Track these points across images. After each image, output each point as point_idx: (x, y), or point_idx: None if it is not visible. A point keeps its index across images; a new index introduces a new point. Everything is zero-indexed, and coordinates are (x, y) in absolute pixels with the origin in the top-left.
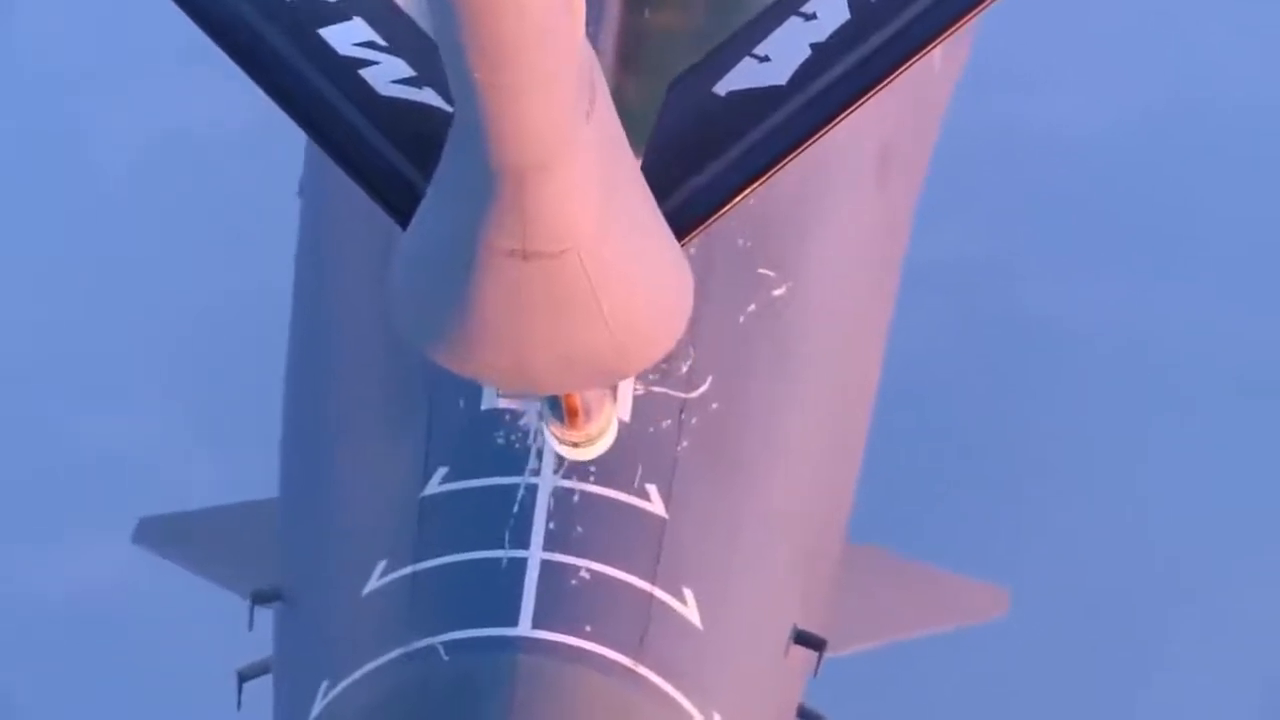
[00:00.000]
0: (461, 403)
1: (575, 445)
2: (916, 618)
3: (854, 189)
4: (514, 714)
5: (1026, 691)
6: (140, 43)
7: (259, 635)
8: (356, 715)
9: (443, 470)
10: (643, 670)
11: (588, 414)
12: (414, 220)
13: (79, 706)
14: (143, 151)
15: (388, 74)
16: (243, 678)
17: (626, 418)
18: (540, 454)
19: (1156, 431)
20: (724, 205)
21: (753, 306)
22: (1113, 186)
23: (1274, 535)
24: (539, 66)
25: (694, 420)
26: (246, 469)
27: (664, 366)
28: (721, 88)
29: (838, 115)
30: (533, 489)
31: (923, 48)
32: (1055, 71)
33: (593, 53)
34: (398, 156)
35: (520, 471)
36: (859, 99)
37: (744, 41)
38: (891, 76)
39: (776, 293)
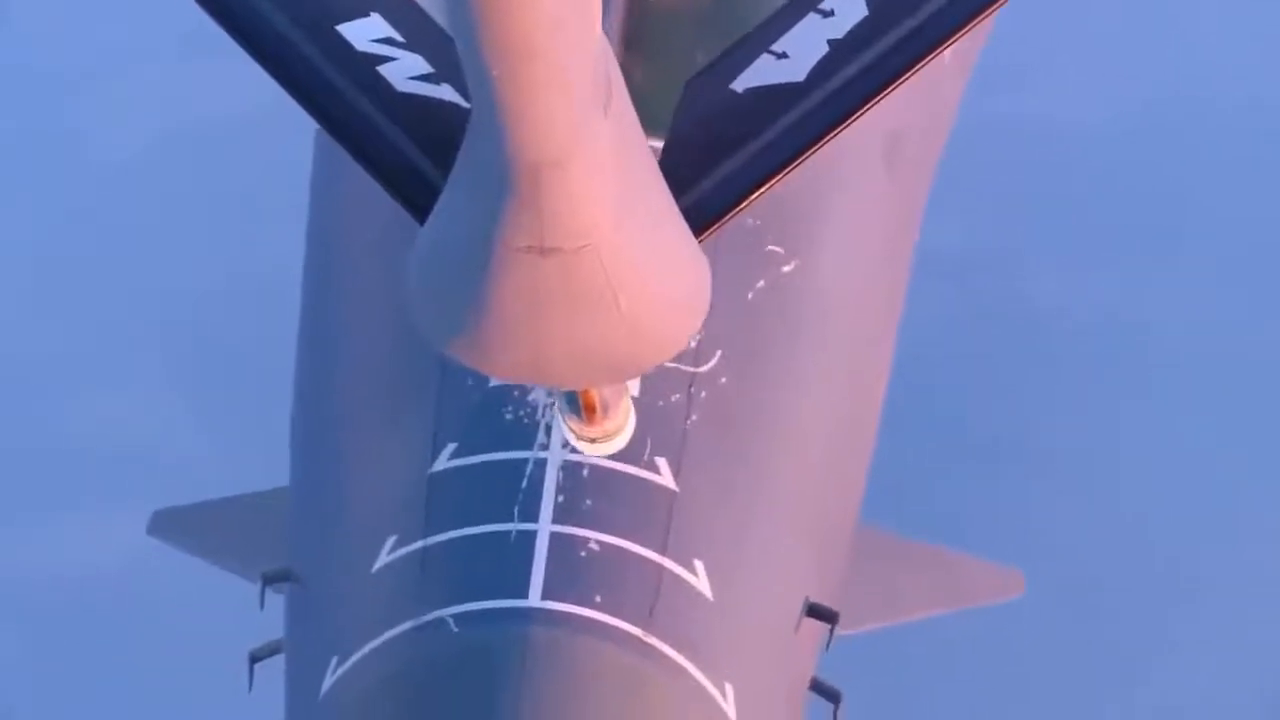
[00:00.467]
0: (469, 379)
1: (593, 441)
2: (930, 598)
3: (863, 169)
4: (525, 685)
5: (1025, 683)
6: (144, 33)
7: (264, 620)
8: (366, 689)
9: (451, 446)
10: (653, 641)
11: (605, 410)
12: (431, 217)
13: (83, 692)
14: (146, 140)
15: (405, 70)
16: (254, 659)
17: (635, 392)
18: (549, 429)
19: (1157, 422)
20: (741, 201)
21: (761, 283)
22: (1114, 179)
23: (1276, 527)
24: (555, 63)
25: (703, 394)
26: (250, 453)
27: None
28: (739, 84)
29: (855, 111)
30: (541, 463)
31: (940, 44)
32: (1056, 65)
33: (609, 48)
34: (415, 152)
35: (529, 446)
36: (876, 95)
37: (761, 38)
38: (909, 73)
39: (785, 269)
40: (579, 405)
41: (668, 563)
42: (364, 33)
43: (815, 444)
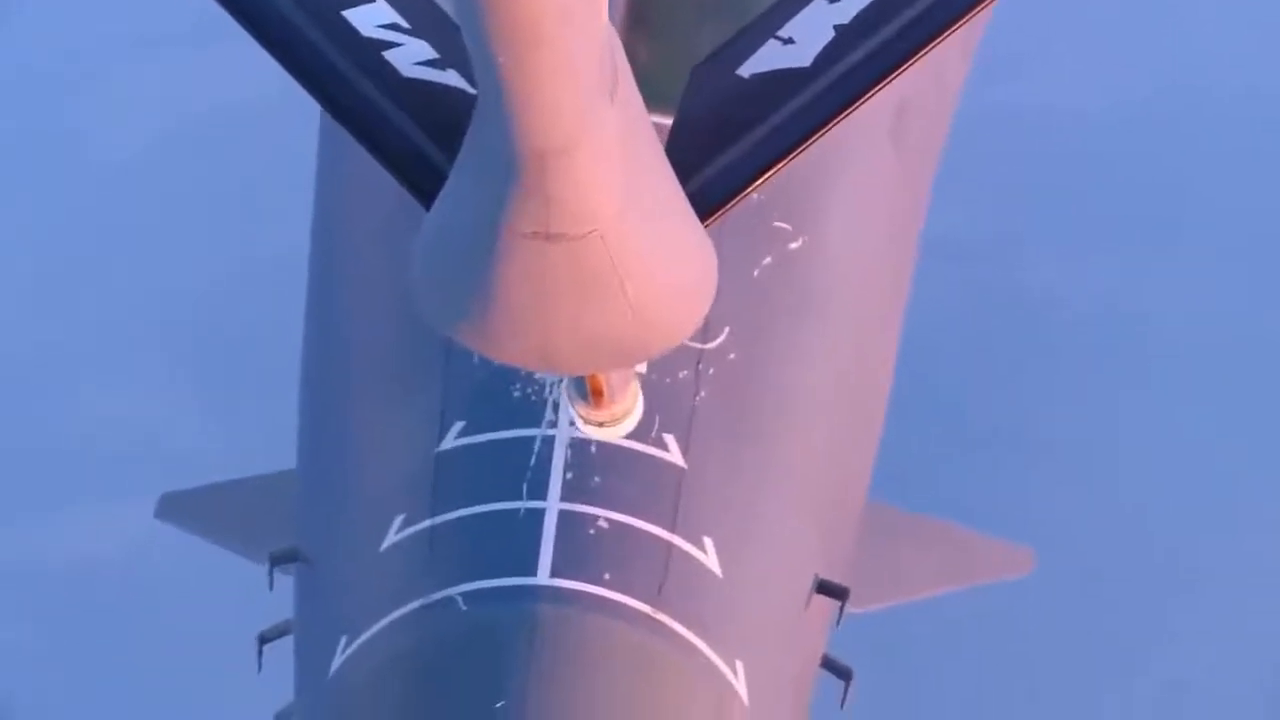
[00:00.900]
0: (476, 357)
1: (600, 425)
2: (941, 575)
3: (869, 144)
4: (534, 663)
5: (1026, 670)
6: (144, 29)
7: (270, 610)
8: (375, 668)
9: (459, 424)
10: (663, 618)
11: (612, 394)
12: (437, 202)
13: (91, 680)
14: (148, 134)
15: (411, 56)
16: (263, 640)
17: (643, 368)
18: (556, 406)
19: (1156, 411)
20: (747, 187)
21: (769, 259)
22: (1113, 168)
23: (1276, 516)
24: (561, 49)
25: (711, 371)
26: (256, 443)
27: None
28: (745, 70)
29: (861, 96)
30: (549, 440)
31: (946, 29)
32: (1055, 54)
33: (615, 35)
34: (421, 138)
35: (537, 424)
36: (882, 80)
37: (767, 24)
38: (915, 58)
39: (792, 246)
40: (586, 389)
41: (677, 540)
42: (369, 18)
43: (824, 420)
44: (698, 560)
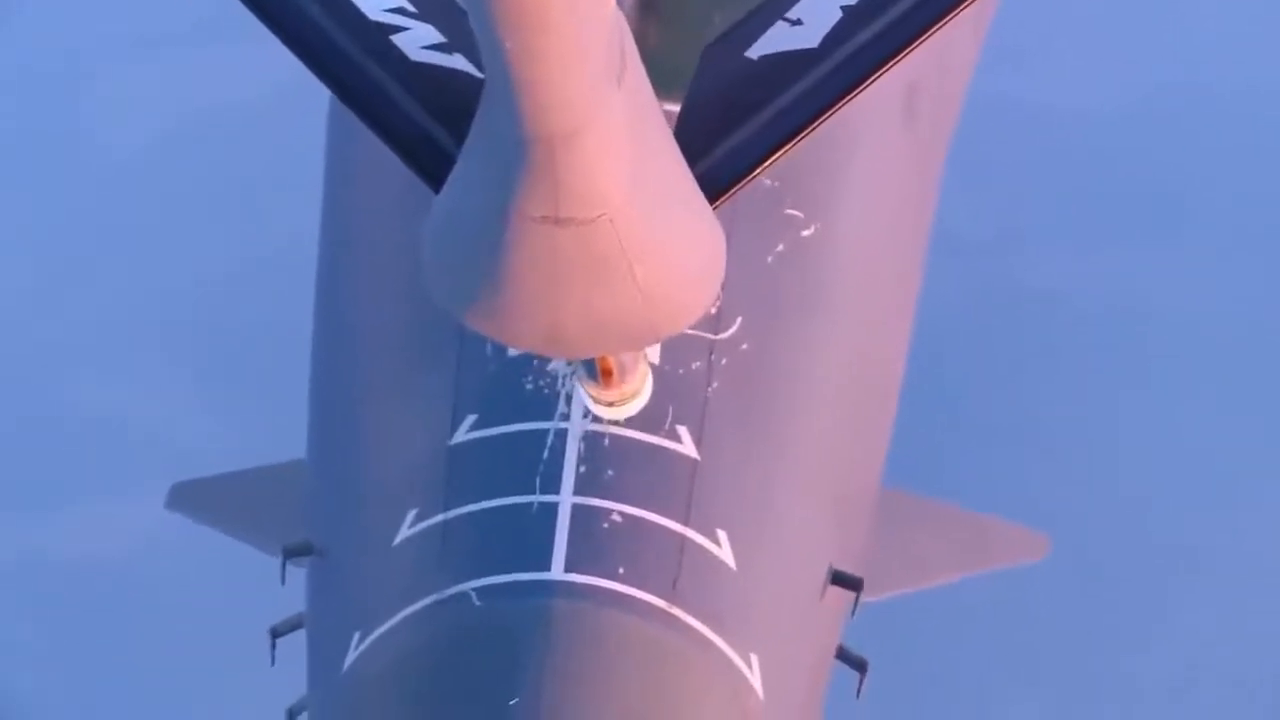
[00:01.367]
0: (489, 350)
1: (610, 404)
2: (956, 561)
3: (881, 129)
4: (549, 658)
5: (1030, 654)
6: (150, 25)
7: (278, 606)
8: (389, 664)
9: (471, 418)
10: (677, 612)
11: (622, 374)
12: (446, 187)
13: (98, 675)
14: (152, 131)
15: (418, 40)
16: (275, 634)
17: (656, 360)
18: (569, 399)
19: (1157, 403)
20: (756, 168)
21: (781, 247)
22: (1113, 163)
23: (1275, 505)
24: (568, 34)
25: (724, 361)
26: (263, 437)
27: None
28: (754, 52)
29: (869, 77)
30: (562, 434)
31: (953, 9)
32: (1058, 49)
33: (623, 18)
34: (430, 121)
35: (549, 417)
36: (890, 60)
37: (776, 6)
38: (923, 38)
39: (805, 233)
40: (596, 370)
41: (690, 533)
42: (377, 2)
43: (837, 409)
44: (712, 553)
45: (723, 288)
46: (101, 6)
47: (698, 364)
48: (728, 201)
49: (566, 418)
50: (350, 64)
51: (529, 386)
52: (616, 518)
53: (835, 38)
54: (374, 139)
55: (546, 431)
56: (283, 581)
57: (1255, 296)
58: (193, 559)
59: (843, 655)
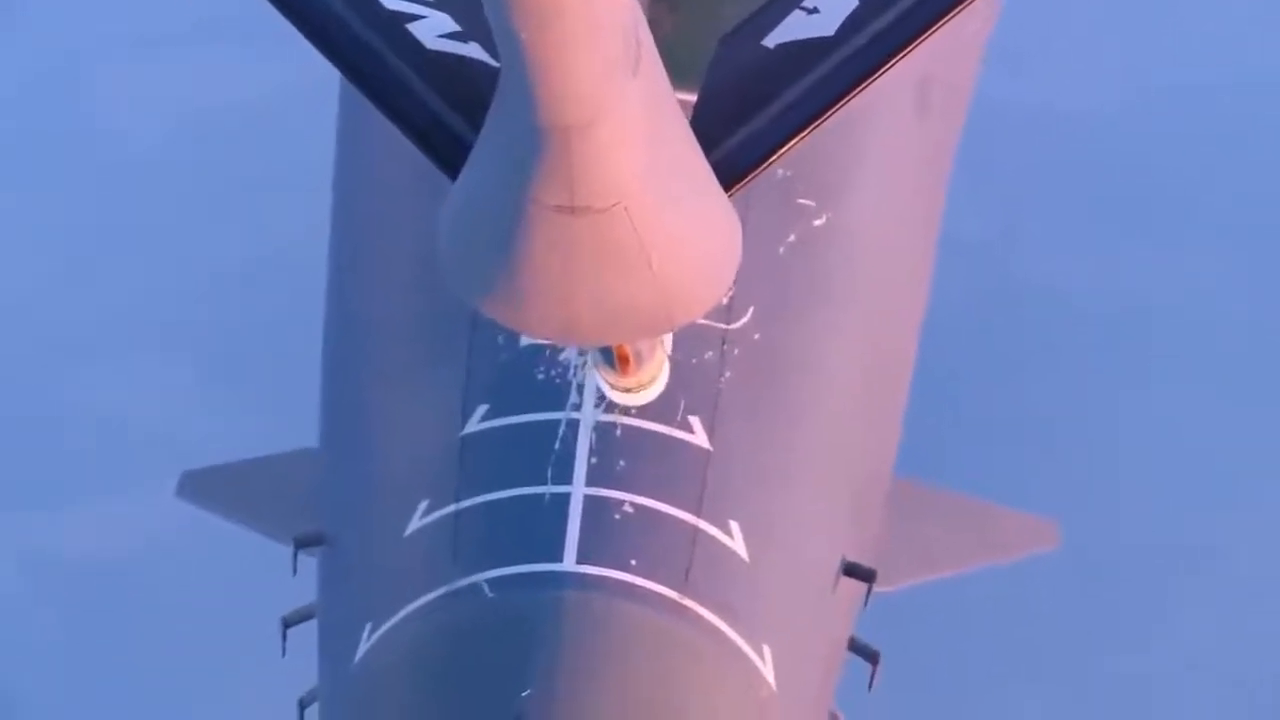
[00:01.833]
0: (500, 340)
1: (627, 391)
2: (968, 552)
3: (893, 118)
4: (561, 649)
5: (1033, 646)
6: (159, 24)
7: (285, 604)
8: (400, 655)
9: (483, 408)
10: (690, 603)
11: (639, 361)
12: (461, 175)
13: (108, 668)
14: (164, 127)
15: (434, 28)
16: (286, 624)
17: (668, 350)
18: (581, 389)
19: (1156, 400)
20: (772, 155)
21: (793, 237)
22: (1113, 163)
23: (1274, 502)
24: (584, 24)
25: (736, 351)
26: (267, 432)
27: None
28: (770, 40)
29: (885, 64)
30: (574, 424)
31: None
32: (1058, 50)
33: (638, 8)
34: (445, 110)
35: (561, 407)
36: (906, 47)
37: None
38: (939, 24)
39: (817, 223)
40: (613, 357)
41: (703, 524)
42: None
43: (850, 399)
44: (724, 544)
45: (735, 277)
46: (108, 6)
47: (710, 354)
48: (743, 192)
49: (578, 408)
50: (367, 52)
51: (540, 377)
52: (628, 508)
53: (851, 25)
54: (385, 132)
55: (558, 422)
56: (294, 571)
57: (1255, 295)
58: (198, 555)
59: (855, 646)
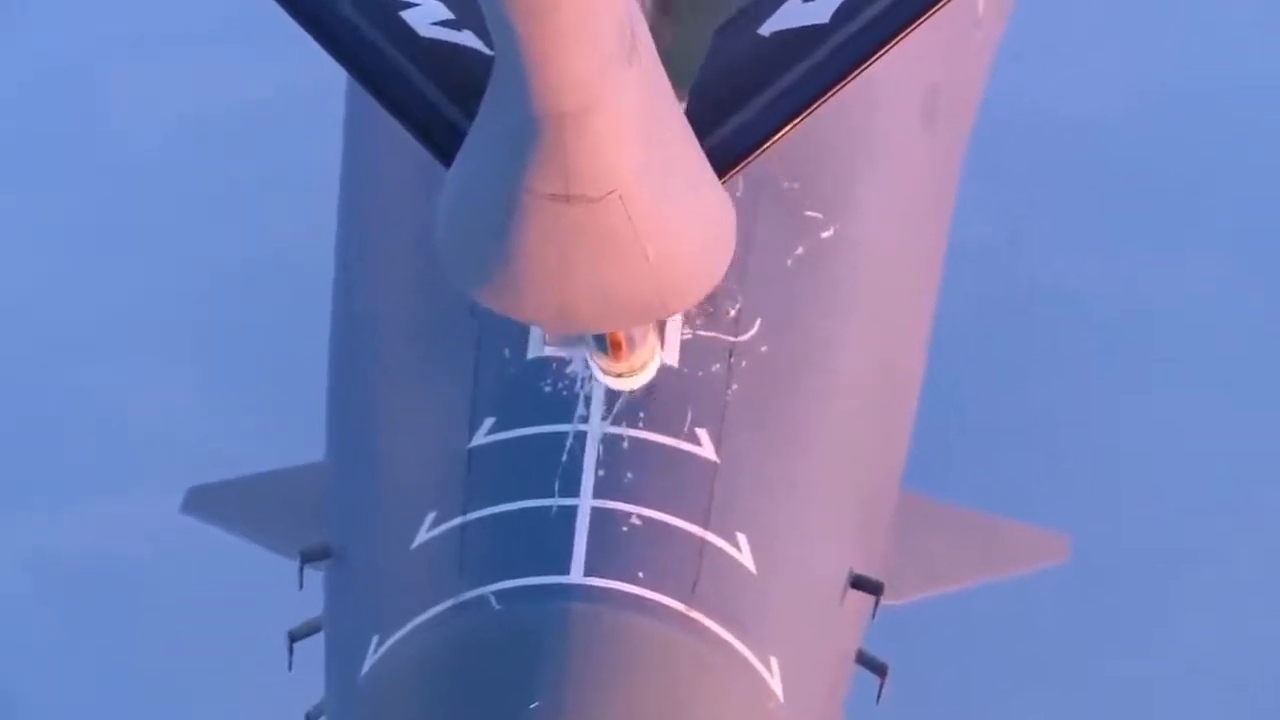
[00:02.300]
0: (507, 352)
1: (619, 376)
2: (976, 566)
3: (900, 131)
4: (568, 661)
5: (1037, 646)
6: (171, 23)
7: (293, 604)
8: (407, 668)
9: (490, 420)
10: (697, 615)
11: (631, 345)
12: (456, 163)
13: (105, 673)
14: (169, 127)
15: (427, 16)
16: (293, 638)
17: (675, 362)
18: (588, 401)
19: (1161, 403)
20: (766, 141)
21: (800, 249)
22: (1120, 166)
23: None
24: (578, 11)
25: (744, 364)
26: (274, 430)
27: (711, 310)
28: (766, 29)
29: (878, 50)
30: (581, 436)
31: None
32: (1065, 53)
33: None
34: (440, 97)
35: (568, 419)
36: (899, 34)
37: None
38: (933, 10)
39: (824, 235)
40: (605, 342)
41: (710, 536)
42: None
43: (857, 411)
44: (731, 556)
45: (742, 290)
46: (111, 7)
47: (717, 366)
48: (745, 199)
49: (585, 420)
50: (360, 39)
51: (547, 389)
52: (636, 521)
53: (846, 12)
54: (391, 142)
55: (565, 434)
56: (300, 585)
57: (1263, 299)
58: (200, 556)
59: (862, 659)
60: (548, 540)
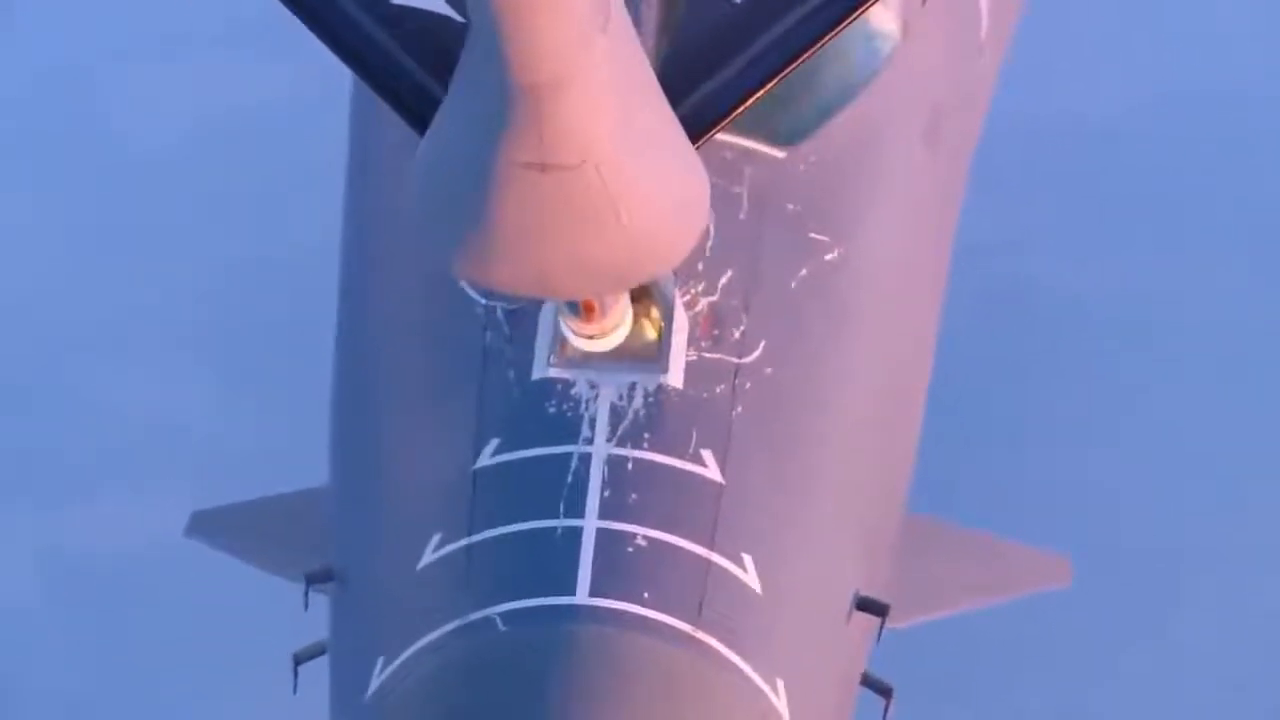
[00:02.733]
0: (511, 374)
1: (590, 338)
2: (979, 589)
3: (904, 152)
4: (574, 682)
5: (1043, 639)
6: (179, 25)
7: (297, 604)
8: (413, 690)
9: (495, 442)
10: (703, 636)
11: (603, 309)
12: (430, 131)
13: (111, 675)
14: (180, 129)
15: None
16: (298, 660)
17: (680, 384)
18: (593, 422)
19: (1162, 404)
20: (739, 106)
21: (804, 272)
22: (1120, 169)
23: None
24: None
25: (748, 385)
26: (275, 433)
27: (716, 333)
28: None
29: (849, 16)
30: (586, 457)
31: None
32: (1064, 56)
33: None
34: (414, 66)
35: (573, 440)
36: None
37: None
38: None
39: (828, 257)
40: (578, 305)
41: (716, 557)
42: None
43: (862, 433)
44: (737, 578)
45: (746, 312)
46: (117, 10)
47: (721, 388)
48: (750, 220)
49: (590, 441)
50: (331, 5)
51: (552, 410)
52: (641, 541)
53: None
54: (397, 164)
55: (570, 455)
56: (305, 607)
57: (1263, 300)
58: (208, 559)
59: (868, 681)
60: (553, 561)
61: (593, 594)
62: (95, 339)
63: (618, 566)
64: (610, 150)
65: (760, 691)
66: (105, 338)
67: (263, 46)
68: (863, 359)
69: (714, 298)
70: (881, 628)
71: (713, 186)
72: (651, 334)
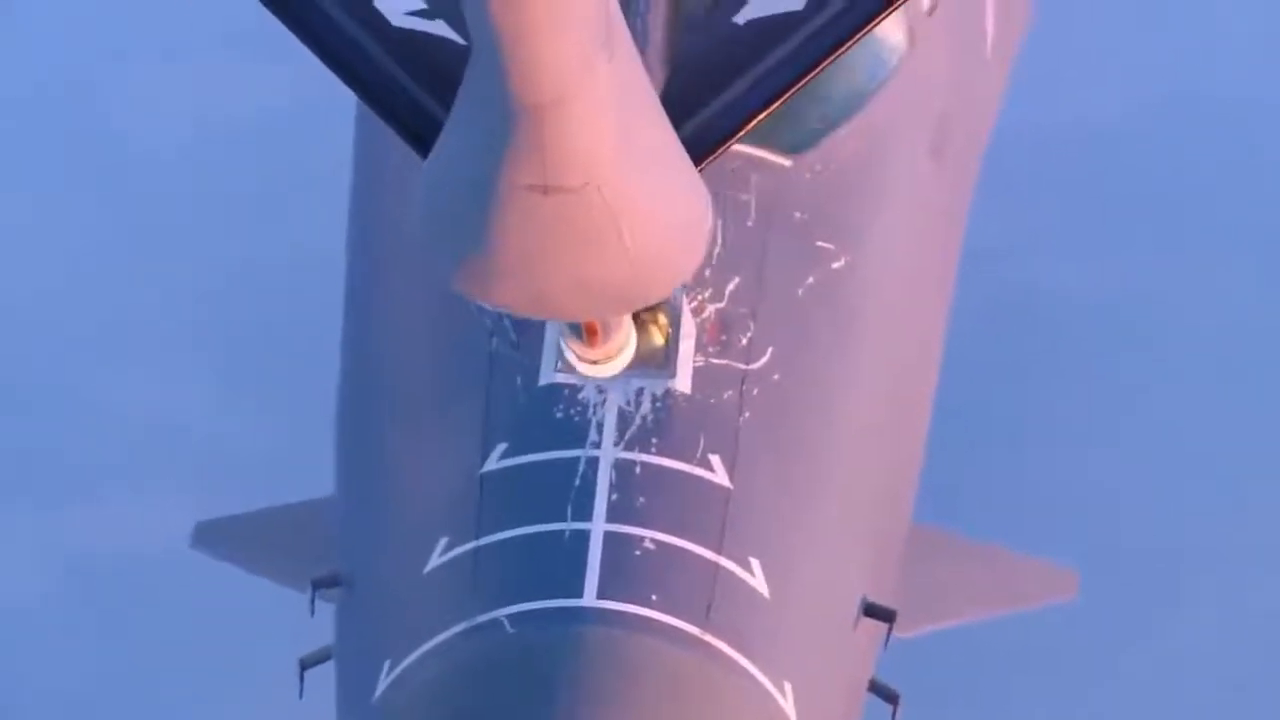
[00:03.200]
0: (519, 379)
1: (594, 363)
2: (986, 600)
3: (911, 161)
4: (581, 684)
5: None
6: (185, 27)
7: (298, 604)
8: (420, 693)
9: (502, 446)
10: (711, 639)
11: (606, 333)
12: (434, 153)
13: (115, 676)
14: (184, 134)
15: (401, 5)
16: (304, 665)
17: (687, 389)
18: (600, 426)
19: (1163, 406)
20: (741, 129)
21: (811, 279)
22: (1122, 172)
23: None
24: (554, 4)
25: (755, 391)
26: (280, 434)
27: (724, 339)
28: (742, 16)
29: (852, 38)
30: (594, 461)
31: None
32: (1066, 60)
33: None
34: (415, 87)
35: (581, 444)
36: (873, 21)
37: None
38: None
39: (835, 265)
40: (580, 329)
41: (724, 561)
42: None
43: (868, 439)
44: (745, 581)
45: (753, 319)
46: (122, 14)
47: (729, 394)
48: (757, 229)
49: (598, 445)
50: (334, 28)
51: (559, 414)
52: (649, 545)
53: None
54: (401, 175)
55: (578, 459)
56: (312, 613)
57: (1263, 301)
58: (204, 560)
59: (875, 687)
60: (561, 564)
61: (600, 596)
62: (95, 339)
63: (625, 569)
64: (613, 171)
65: (768, 694)
66: (105, 338)
67: (263, 49)
68: (869, 366)
69: (721, 304)
70: (889, 634)
71: (720, 195)
72: (659, 340)
